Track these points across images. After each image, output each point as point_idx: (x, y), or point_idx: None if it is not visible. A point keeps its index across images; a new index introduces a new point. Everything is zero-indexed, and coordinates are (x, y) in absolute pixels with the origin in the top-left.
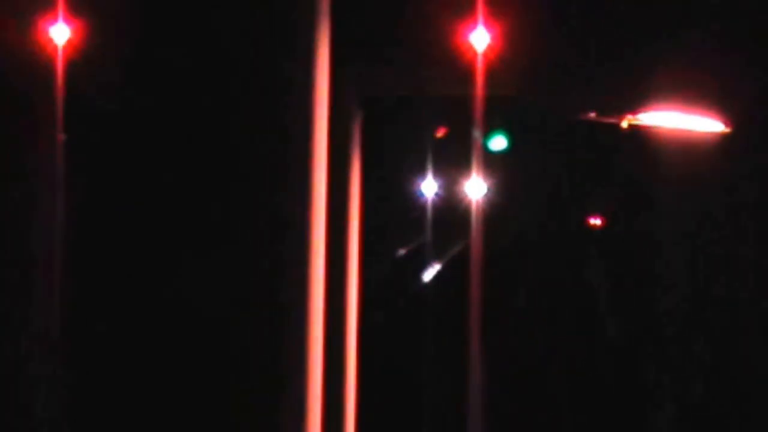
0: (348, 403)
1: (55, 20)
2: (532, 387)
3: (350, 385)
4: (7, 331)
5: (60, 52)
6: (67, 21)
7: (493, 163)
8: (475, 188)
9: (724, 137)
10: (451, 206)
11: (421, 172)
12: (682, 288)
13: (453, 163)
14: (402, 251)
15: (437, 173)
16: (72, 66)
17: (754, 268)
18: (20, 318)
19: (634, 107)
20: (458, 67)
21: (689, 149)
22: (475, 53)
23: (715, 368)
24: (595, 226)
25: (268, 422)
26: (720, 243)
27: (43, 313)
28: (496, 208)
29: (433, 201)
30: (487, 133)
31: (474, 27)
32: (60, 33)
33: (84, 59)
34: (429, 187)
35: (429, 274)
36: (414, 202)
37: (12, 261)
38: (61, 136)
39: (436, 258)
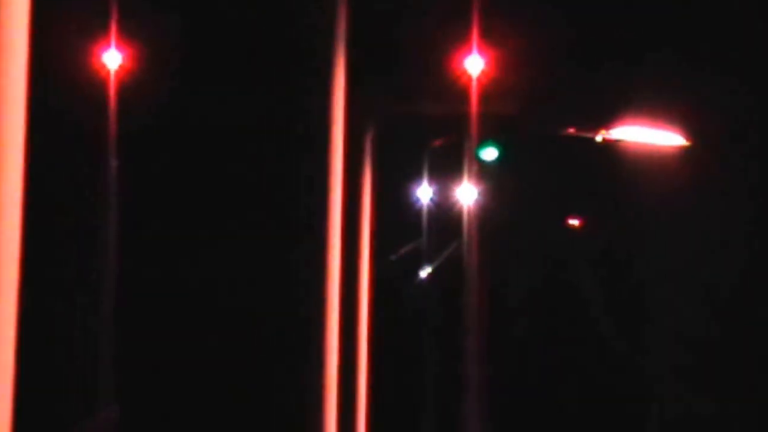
0: (360, 367)
1: (108, 47)
2: (515, 359)
3: (362, 355)
4: (79, 315)
5: (112, 76)
6: (119, 48)
7: (485, 171)
8: (467, 194)
9: (684, 149)
10: (445, 210)
11: (421, 179)
12: (651, 274)
13: (449, 171)
14: (407, 248)
15: (436, 181)
16: (123, 88)
17: (713, 257)
18: (89, 307)
19: (607, 124)
20: (455, 89)
21: (653, 160)
22: (469, 77)
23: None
24: (573, 225)
25: (294, 384)
26: (681, 236)
27: (106, 303)
28: (486, 210)
29: (429, 206)
30: (480, 145)
31: (469, 55)
32: (112, 59)
33: (134, 82)
34: (425, 192)
35: (425, 271)
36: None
37: (82, 264)
38: (114, 160)
39: (433, 256)
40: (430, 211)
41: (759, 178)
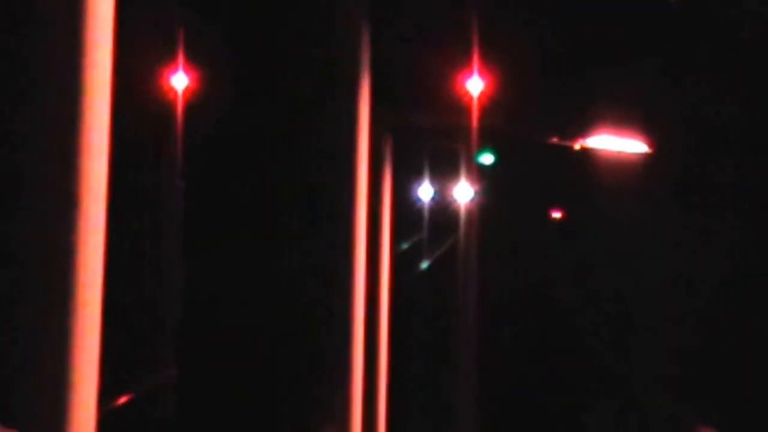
0: (381, 340)
1: (176, 70)
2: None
3: (383, 336)
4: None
5: (180, 97)
6: (185, 70)
7: (482, 173)
8: (464, 193)
9: (646, 156)
10: (443, 208)
11: (421, 180)
12: (613, 261)
13: (448, 174)
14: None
15: (436, 182)
16: (189, 106)
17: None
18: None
19: (584, 134)
20: (459, 105)
21: (621, 164)
22: (471, 96)
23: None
24: (555, 217)
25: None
26: (643, 232)
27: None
28: (482, 206)
29: (429, 204)
30: (479, 151)
31: (470, 77)
32: (180, 81)
33: (198, 102)
34: (425, 192)
35: (426, 262)
36: (444, 204)
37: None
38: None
39: (434, 246)
40: (430, 209)
41: (717, 181)
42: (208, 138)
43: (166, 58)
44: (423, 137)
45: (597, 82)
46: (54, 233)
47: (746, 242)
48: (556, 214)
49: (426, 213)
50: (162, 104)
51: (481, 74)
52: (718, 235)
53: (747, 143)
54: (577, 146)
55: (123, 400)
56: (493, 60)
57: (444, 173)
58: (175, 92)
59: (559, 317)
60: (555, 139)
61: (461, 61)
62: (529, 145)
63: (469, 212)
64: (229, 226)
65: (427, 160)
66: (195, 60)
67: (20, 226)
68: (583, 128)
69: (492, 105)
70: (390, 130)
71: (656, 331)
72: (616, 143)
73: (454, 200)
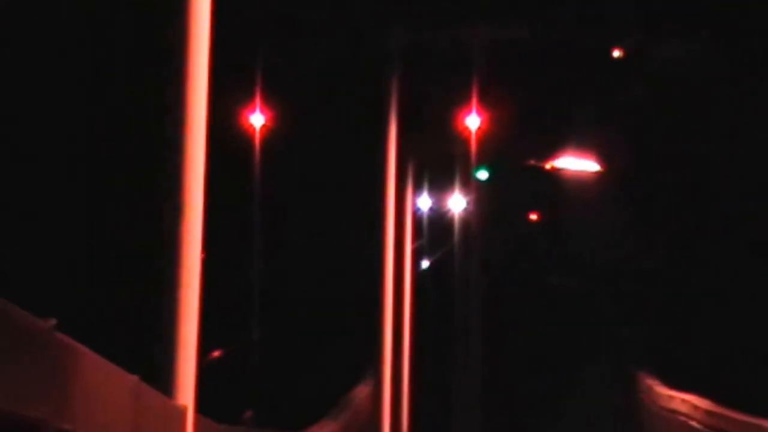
0: (405, 311)
1: (254, 110)
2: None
3: (407, 311)
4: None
5: (257, 132)
6: (262, 111)
7: (479, 186)
8: (458, 204)
9: (599, 174)
10: (440, 216)
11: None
12: (575, 248)
13: (447, 188)
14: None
15: (435, 194)
16: (266, 140)
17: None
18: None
19: (553, 157)
20: (462, 136)
21: (580, 179)
22: (470, 130)
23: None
24: (532, 218)
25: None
26: (602, 232)
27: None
28: (478, 209)
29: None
30: (477, 168)
31: (470, 115)
32: (257, 119)
33: (271, 136)
34: (425, 203)
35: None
36: (442, 213)
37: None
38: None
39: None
40: (429, 217)
41: (651, 192)
42: (282, 163)
43: (247, 99)
44: (436, 161)
45: (562, 121)
46: (169, 228)
47: (671, 235)
48: (533, 216)
49: (425, 220)
50: (244, 135)
51: (478, 115)
52: (649, 229)
53: (673, 165)
54: (548, 166)
55: (216, 353)
56: (488, 105)
57: (445, 188)
58: (254, 128)
59: (535, 287)
60: (532, 161)
61: (464, 106)
62: (514, 165)
63: (467, 215)
64: (303, 229)
65: (435, 178)
66: (273, 102)
67: (153, 224)
68: (553, 153)
69: (487, 137)
70: (412, 157)
71: (603, 294)
72: (576, 164)
73: (449, 210)
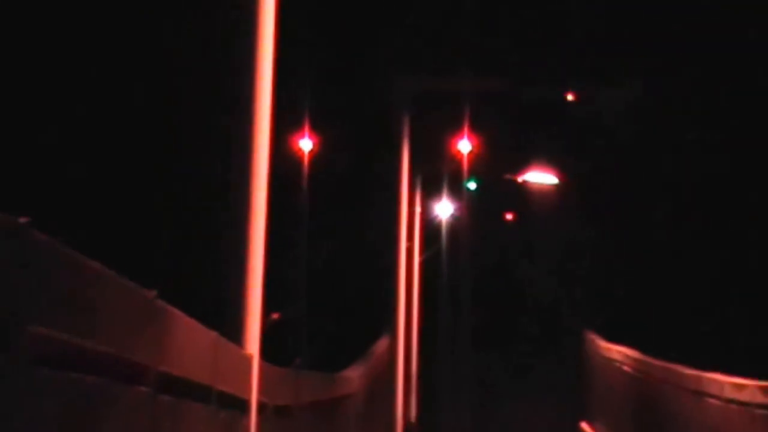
0: (414, 292)
1: (303, 136)
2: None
3: (416, 297)
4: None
5: (306, 155)
6: (310, 137)
7: (469, 194)
8: (445, 210)
9: (558, 185)
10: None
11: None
12: (540, 241)
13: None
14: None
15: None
16: (313, 162)
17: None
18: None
19: (523, 172)
20: (456, 158)
21: (543, 189)
22: (462, 153)
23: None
24: (508, 218)
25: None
26: (556, 226)
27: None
28: (468, 211)
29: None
30: (467, 180)
31: (462, 140)
32: (306, 144)
33: (318, 159)
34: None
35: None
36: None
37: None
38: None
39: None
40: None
41: (594, 199)
42: (323, 178)
43: (299, 126)
44: (438, 176)
45: (530, 146)
46: (241, 225)
47: (608, 230)
48: (509, 216)
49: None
50: (295, 157)
51: (469, 141)
52: (593, 226)
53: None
54: (520, 179)
55: (275, 315)
56: (475, 134)
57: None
58: (303, 151)
59: (509, 274)
60: (508, 175)
61: (457, 135)
62: (494, 178)
63: (455, 217)
64: (340, 224)
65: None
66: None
67: (225, 223)
68: (523, 169)
69: (474, 157)
70: (420, 173)
71: (562, 280)
72: (541, 177)
73: (437, 216)
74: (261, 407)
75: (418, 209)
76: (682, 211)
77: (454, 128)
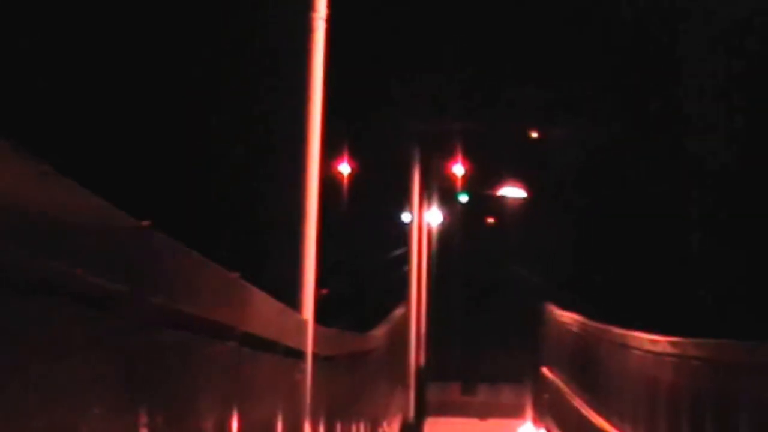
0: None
1: (343, 161)
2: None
3: (423, 284)
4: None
5: (346, 178)
6: (349, 162)
7: (461, 205)
8: (435, 218)
9: (526, 199)
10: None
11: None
12: (515, 241)
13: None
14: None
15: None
16: (352, 184)
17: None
18: None
19: (500, 187)
20: (452, 179)
21: (513, 203)
22: (456, 176)
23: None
24: (489, 222)
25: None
26: (528, 234)
27: None
28: (461, 217)
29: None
30: (459, 194)
31: (456, 165)
32: (345, 168)
33: (357, 181)
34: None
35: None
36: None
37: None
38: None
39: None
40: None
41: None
42: (356, 195)
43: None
44: (440, 192)
45: (504, 169)
46: (299, 227)
47: (566, 231)
48: (490, 220)
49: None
50: (336, 179)
51: (462, 165)
52: (553, 229)
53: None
54: (497, 193)
55: (324, 291)
56: (466, 160)
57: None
58: (342, 175)
59: (490, 263)
60: (489, 191)
61: (453, 161)
62: (479, 192)
63: (446, 223)
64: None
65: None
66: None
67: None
68: (499, 185)
69: (465, 178)
70: (429, 190)
71: (530, 267)
72: (513, 192)
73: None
74: (314, 356)
75: (425, 216)
76: (615, 217)
77: (450, 157)
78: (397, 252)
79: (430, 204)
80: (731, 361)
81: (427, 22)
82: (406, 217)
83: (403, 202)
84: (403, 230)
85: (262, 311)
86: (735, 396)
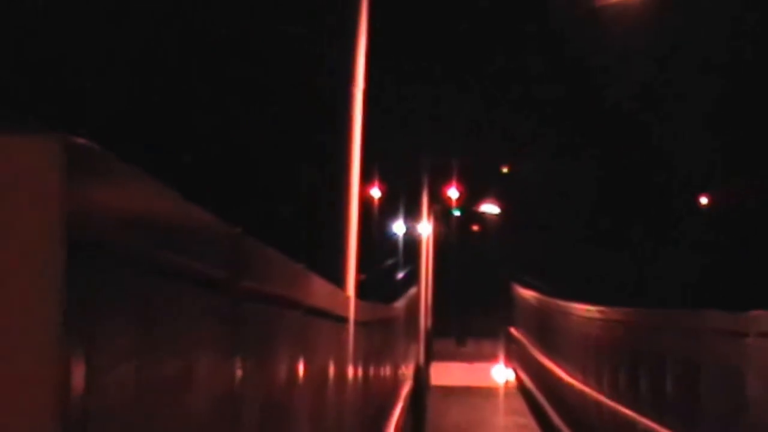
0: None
1: (374, 186)
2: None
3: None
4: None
5: (377, 201)
6: (379, 187)
7: (455, 217)
8: (426, 229)
9: (500, 213)
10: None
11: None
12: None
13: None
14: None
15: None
16: (382, 206)
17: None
18: None
19: (481, 204)
20: (447, 200)
21: (491, 216)
22: (451, 198)
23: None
24: (474, 229)
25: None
26: (502, 238)
27: None
28: (455, 226)
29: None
30: (454, 209)
31: (451, 188)
32: (376, 192)
33: (385, 203)
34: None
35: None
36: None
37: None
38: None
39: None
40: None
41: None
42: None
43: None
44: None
45: (482, 192)
46: (345, 227)
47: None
48: (475, 228)
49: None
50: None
51: (456, 189)
52: (518, 235)
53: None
54: (479, 209)
55: (362, 277)
56: (460, 186)
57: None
58: (373, 197)
59: (476, 257)
60: (474, 207)
61: (450, 186)
62: (467, 208)
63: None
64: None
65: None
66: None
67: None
68: (481, 203)
69: (459, 198)
70: (434, 209)
71: (502, 260)
72: (490, 208)
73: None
74: (355, 322)
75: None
76: (557, 227)
77: (446, 184)
78: (390, 262)
79: (430, 218)
80: (635, 323)
81: (437, 94)
82: (399, 228)
83: (400, 216)
84: (395, 241)
85: (319, 290)
86: (639, 346)
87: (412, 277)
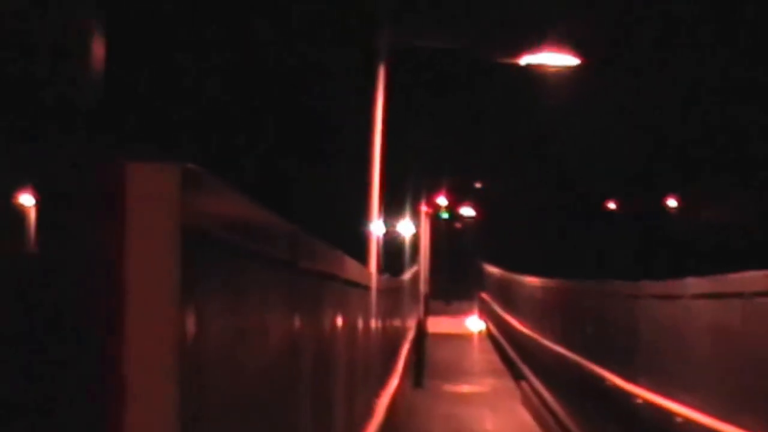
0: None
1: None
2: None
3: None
4: None
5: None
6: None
7: (443, 219)
8: (408, 229)
9: (476, 215)
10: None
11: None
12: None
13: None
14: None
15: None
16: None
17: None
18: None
19: (460, 208)
20: (438, 206)
21: (470, 218)
22: (440, 205)
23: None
24: (457, 226)
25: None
26: (478, 234)
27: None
28: (445, 226)
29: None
30: (442, 213)
31: (440, 197)
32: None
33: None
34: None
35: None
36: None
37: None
38: None
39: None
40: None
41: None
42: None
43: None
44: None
45: (462, 199)
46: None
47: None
48: (458, 226)
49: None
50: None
51: (445, 198)
52: (489, 232)
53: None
54: (460, 212)
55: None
56: (448, 195)
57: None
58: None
59: (459, 247)
60: (456, 211)
61: (438, 195)
62: (453, 212)
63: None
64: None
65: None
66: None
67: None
68: (460, 208)
69: (447, 204)
70: (428, 213)
71: (475, 248)
72: (468, 211)
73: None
74: (376, 289)
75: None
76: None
77: (436, 191)
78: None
79: (426, 219)
80: (558, 288)
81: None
82: (404, 227)
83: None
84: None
85: (351, 267)
86: (573, 306)
87: (414, 259)
